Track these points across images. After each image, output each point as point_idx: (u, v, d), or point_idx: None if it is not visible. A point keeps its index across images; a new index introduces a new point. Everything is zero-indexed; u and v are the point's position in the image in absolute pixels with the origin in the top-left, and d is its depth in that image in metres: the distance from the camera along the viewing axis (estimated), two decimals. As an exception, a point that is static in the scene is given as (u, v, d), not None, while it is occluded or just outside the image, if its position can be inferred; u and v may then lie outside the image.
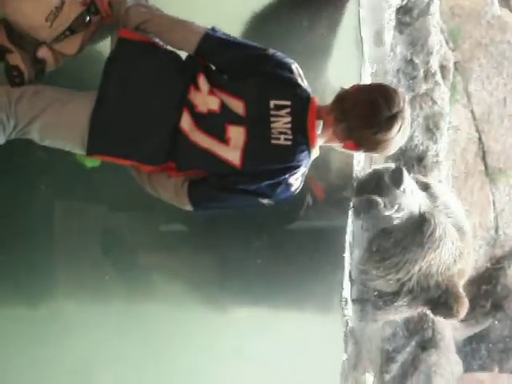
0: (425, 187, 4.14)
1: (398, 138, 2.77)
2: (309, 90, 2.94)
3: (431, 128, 5.19)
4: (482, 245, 5.63)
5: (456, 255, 4.13)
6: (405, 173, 3.87)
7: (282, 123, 2.86)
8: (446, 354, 4.98)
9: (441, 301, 4.10)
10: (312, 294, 4.25)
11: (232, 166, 2.87)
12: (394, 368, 4.81)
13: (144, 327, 3.90)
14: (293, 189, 2.94)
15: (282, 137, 2.85)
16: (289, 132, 2.85)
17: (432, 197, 4.10)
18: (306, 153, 2.87)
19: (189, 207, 2.97)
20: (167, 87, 2.92)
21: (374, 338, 4.67)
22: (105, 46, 3.09)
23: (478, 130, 5.85)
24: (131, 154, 2.91)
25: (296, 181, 2.93)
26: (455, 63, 5.75)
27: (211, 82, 2.91)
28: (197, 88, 2.90)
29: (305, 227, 4.04)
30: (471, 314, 5.39)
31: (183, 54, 3.03)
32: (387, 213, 3.92)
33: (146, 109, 2.91)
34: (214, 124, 2.87)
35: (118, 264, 3.88)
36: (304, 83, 2.95)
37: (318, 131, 2.86)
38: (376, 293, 4.26)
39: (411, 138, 5.01)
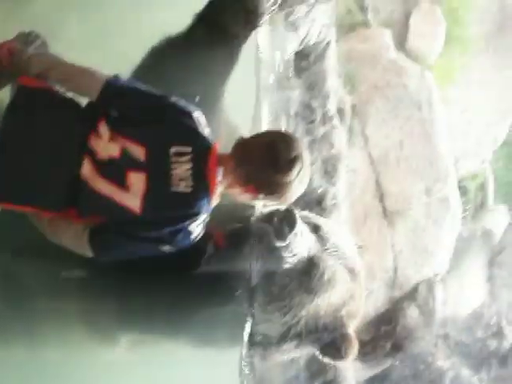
0: (315, 229, 4.14)
1: (297, 182, 2.78)
2: (210, 137, 2.94)
3: (329, 171, 5.24)
4: (381, 285, 5.70)
5: (346, 297, 4.13)
6: (297, 216, 3.88)
7: (182, 170, 2.85)
8: (347, 396, 5.01)
9: (329, 342, 4.09)
10: (213, 341, 4.23)
11: (132, 213, 2.84)
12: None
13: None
14: (193, 236, 2.92)
15: (183, 183, 2.84)
16: (189, 179, 2.84)
17: (322, 239, 4.08)
18: (206, 200, 2.86)
19: (89, 253, 2.93)
20: (66, 134, 2.89)
21: (275, 379, 4.65)
22: (5, 94, 3.05)
23: (375, 172, 5.95)
24: (30, 201, 2.86)
25: (197, 227, 2.91)
26: (352, 106, 5.84)
27: (113, 127, 2.89)
28: (97, 135, 2.87)
29: (208, 273, 4.02)
30: (372, 354, 5.44)
31: (83, 102, 3.01)
32: (284, 254, 3.91)
33: (45, 156, 2.86)
34: (114, 170, 2.85)
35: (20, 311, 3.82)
36: (206, 131, 2.95)
37: (219, 178, 2.86)
38: (261, 336, 4.23)
39: (310, 181, 5.04)
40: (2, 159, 2.84)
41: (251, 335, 4.17)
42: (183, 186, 2.84)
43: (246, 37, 4.27)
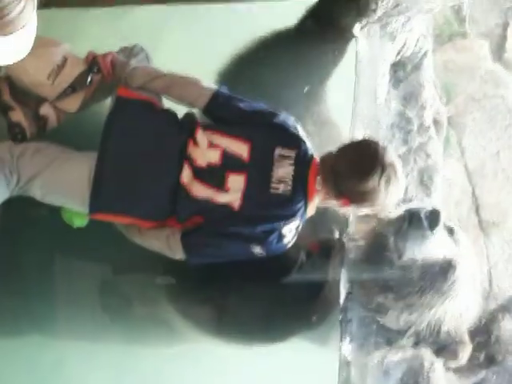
0: (450, 232, 4.12)
1: (384, 189, 2.80)
2: (312, 148, 2.99)
3: (425, 182, 5.22)
4: (476, 299, 5.63)
5: (468, 303, 4.11)
6: (441, 216, 3.87)
7: (283, 172, 2.91)
8: (441, 408, 4.96)
9: (447, 346, 4.07)
10: (308, 348, 4.23)
11: (230, 208, 2.89)
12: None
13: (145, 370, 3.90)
14: (285, 241, 2.97)
15: (282, 186, 2.90)
16: (289, 182, 2.90)
17: (456, 242, 4.08)
18: (302, 205, 2.91)
19: (181, 256, 2.99)
20: (166, 144, 2.96)
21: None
22: (105, 105, 3.13)
23: (471, 184, 5.88)
24: (133, 212, 2.94)
25: (289, 233, 2.96)
26: (448, 117, 5.79)
27: (215, 128, 2.94)
28: (195, 143, 2.93)
29: (301, 279, 4.04)
30: (465, 365, 5.37)
31: (179, 112, 3.07)
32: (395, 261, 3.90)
33: (146, 166, 2.94)
34: (214, 176, 2.91)
35: (115, 314, 3.88)
36: (307, 140, 3.00)
37: (318, 187, 2.90)
38: (379, 330, 4.21)
39: (406, 191, 5.04)
40: (104, 170, 2.92)
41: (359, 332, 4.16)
42: (282, 188, 2.90)
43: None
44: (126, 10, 3.45)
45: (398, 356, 4.34)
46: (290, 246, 3.08)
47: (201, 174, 2.96)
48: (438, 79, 5.88)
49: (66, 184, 3.01)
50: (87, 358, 3.85)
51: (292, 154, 2.98)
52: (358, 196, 2.94)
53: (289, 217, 2.95)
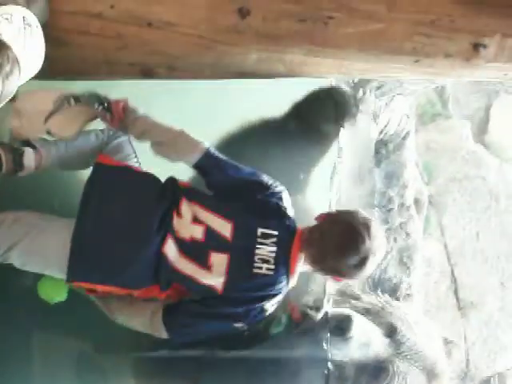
0: (390, 332, 4.11)
1: (367, 267, 2.80)
2: (295, 221, 2.97)
3: (405, 261, 5.24)
4: (453, 378, 5.62)
5: None
6: (354, 325, 3.87)
7: (266, 251, 2.88)
8: None
9: None
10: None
11: (213, 290, 2.87)
12: None
13: None
14: (266, 314, 2.95)
15: (265, 266, 2.87)
16: (271, 261, 2.87)
17: (396, 343, 4.06)
18: (284, 282, 2.89)
19: (164, 334, 2.95)
20: (147, 211, 2.93)
21: None
22: (85, 172, 3.11)
23: (450, 264, 5.91)
24: (111, 281, 2.89)
25: (271, 307, 2.94)
26: (429, 197, 5.85)
27: (198, 201, 2.92)
28: (179, 214, 2.91)
29: (283, 353, 4.00)
30: None
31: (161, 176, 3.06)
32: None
33: (125, 235, 2.90)
34: (196, 251, 2.87)
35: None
36: (291, 212, 2.99)
37: (300, 263, 2.89)
38: None
39: (385, 271, 5.06)
40: (82, 238, 2.90)
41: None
42: (265, 269, 2.87)
43: (336, 135, 4.32)
44: (113, 84, 3.45)
45: None
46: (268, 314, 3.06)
47: (184, 246, 2.93)
48: (420, 159, 5.94)
49: (44, 252, 2.97)
50: None
51: (275, 232, 2.95)
52: (336, 273, 2.93)
53: (272, 296, 2.93)
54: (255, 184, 2.98)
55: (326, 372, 3.94)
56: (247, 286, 2.88)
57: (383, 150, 5.37)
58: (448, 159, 6.26)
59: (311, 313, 3.97)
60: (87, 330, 3.71)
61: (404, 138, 5.47)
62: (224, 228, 2.90)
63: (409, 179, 5.48)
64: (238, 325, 2.92)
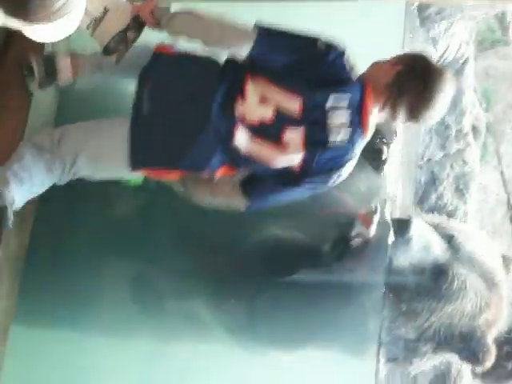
0: (448, 238, 4.13)
1: (440, 101, 2.77)
2: (362, 77, 2.91)
3: (461, 188, 5.22)
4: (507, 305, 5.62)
5: (482, 306, 4.08)
6: (413, 226, 3.89)
7: (339, 118, 2.83)
8: (467, 417, 4.96)
9: (467, 348, 4.08)
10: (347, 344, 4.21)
11: (290, 170, 2.86)
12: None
13: (172, 368, 3.92)
14: (341, 178, 2.92)
15: (339, 132, 2.83)
16: (346, 125, 2.83)
17: (454, 248, 4.07)
18: (361, 143, 2.86)
19: (243, 204, 2.93)
20: (209, 95, 2.87)
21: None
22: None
23: (506, 191, 5.87)
24: (176, 163, 2.87)
25: (347, 172, 2.91)
26: (487, 124, 5.79)
27: (265, 76, 2.87)
28: (243, 98, 2.86)
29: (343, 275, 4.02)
30: (493, 374, 5.36)
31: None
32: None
33: (186, 117, 2.87)
34: (268, 132, 2.82)
35: (147, 307, 3.91)
36: (354, 70, 2.91)
37: (374, 115, 2.84)
38: (401, 341, 4.21)
39: (441, 197, 5.06)
40: (143, 126, 2.89)
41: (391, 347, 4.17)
42: (340, 136, 2.83)
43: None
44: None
45: (428, 364, 4.34)
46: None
47: (254, 130, 2.88)
48: (479, 85, 5.87)
49: (107, 151, 2.97)
50: (118, 351, 3.87)
51: (345, 95, 2.90)
52: (411, 111, 2.88)
53: (348, 160, 2.90)
54: (315, 51, 2.90)
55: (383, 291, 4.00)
56: (325, 157, 2.85)
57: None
58: (507, 86, 6.16)
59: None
60: (143, 249, 3.79)
61: (463, 64, 5.40)
62: (293, 103, 2.84)
63: (467, 106, 5.43)
64: (316, 188, 2.92)
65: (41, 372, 3.66)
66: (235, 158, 2.87)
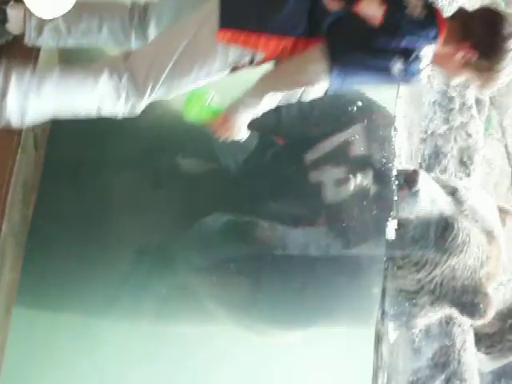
0: (452, 192, 4.14)
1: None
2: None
3: (465, 161, 5.21)
4: (511, 279, 5.61)
5: (483, 259, 4.10)
6: (421, 177, 3.90)
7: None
8: (470, 387, 4.96)
9: (468, 301, 4.08)
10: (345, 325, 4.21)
11: (370, 24, 2.88)
12: (423, 401, 4.79)
13: (175, 349, 3.91)
14: (421, 65, 2.93)
15: (417, 10, 2.88)
16: (422, 9, 2.88)
17: (458, 201, 4.09)
18: (435, 33, 2.89)
19: (326, 72, 2.92)
20: None
21: (405, 370, 4.65)
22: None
23: (510, 165, 5.85)
24: (265, 25, 2.88)
25: (425, 58, 2.92)
26: (491, 97, 5.76)
27: None
28: None
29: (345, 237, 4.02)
30: (496, 347, 5.37)
31: None
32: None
33: None
34: None
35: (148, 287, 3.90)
36: None
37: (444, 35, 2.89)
38: (400, 294, 4.20)
39: (445, 170, 5.04)
40: None
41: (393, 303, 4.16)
42: (417, 12, 2.87)
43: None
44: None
45: (426, 319, 4.31)
46: (423, 73, 3.04)
47: None
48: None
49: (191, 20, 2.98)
50: (119, 331, 3.87)
51: None
52: (485, 43, 2.91)
53: (426, 39, 2.93)
54: None
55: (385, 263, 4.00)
56: (403, 20, 2.88)
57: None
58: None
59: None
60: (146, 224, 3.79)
61: (466, 37, 5.37)
62: None
63: (471, 79, 5.40)
64: (398, 65, 2.90)
65: (43, 349, 3.66)
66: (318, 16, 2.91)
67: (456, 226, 3.97)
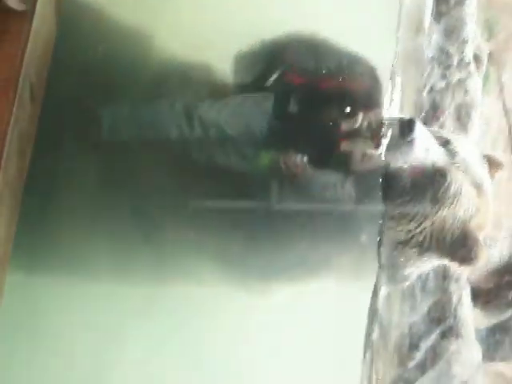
0: (444, 143, 4.14)
1: None
2: None
3: (462, 118, 5.20)
4: (507, 236, 5.64)
5: (472, 211, 4.12)
6: (417, 126, 3.91)
7: None
8: (466, 343, 5.00)
9: (458, 248, 4.09)
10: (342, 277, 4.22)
11: None
12: (418, 356, 4.83)
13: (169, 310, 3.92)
14: None
15: None
16: None
17: (451, 153, 4.08)
18: None
19: None
20: None
21: (399, 325, 4.69)
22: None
23: (508, 122, 5.85)
24: None
25: None
26: (489, 54, 5.74)
27: None
28: None
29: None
30: (493, 303, 5.42)
31: None
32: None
33: None
34: None
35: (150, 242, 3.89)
36: None
37: None
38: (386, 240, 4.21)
39: (442, 126, 5.04)
40: None
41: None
42: None
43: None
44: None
45: (414, 268, 4.31)
46: None
47: None
48: (481, 14, 5.82)
49: None
50: (115, 293, 3.86)
51: None
52: None
53: None
54: None
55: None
56: None
57: (443, 5, 5.27)
58: (510, 15, 6.10)
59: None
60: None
61: (465, -6, 5.36)
62: None
63: (469, 35, 5.39)
64: None
65: (37, 309, 3.65)
66: None
67: (449, 178, 3.96)
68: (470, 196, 4.03)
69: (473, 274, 5.06)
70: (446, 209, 3.97)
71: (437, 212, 3.96)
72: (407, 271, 4.25)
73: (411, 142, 3.89)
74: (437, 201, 3.95)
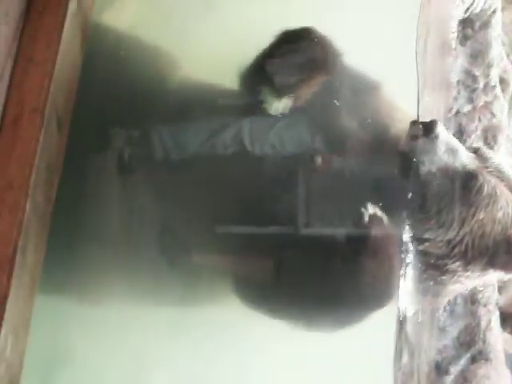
0: (474, 150, 4.10)
1: None
2: None
3: (489, 141, 5.18)
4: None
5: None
6: (439, 124, 3.87)
7: None
8: (495, 367, 4.94)
9: (502, 253, 4.00)
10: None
11: None
12: (448, 381, 4.78)
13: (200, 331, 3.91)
14: None
15: None
16: None
17: (482, 158, 4.04)
18: None
19: None
20: None
21: (428, 349, 4.65)
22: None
23: (534, 144, 5.82)
24: None
25: None
26: (515, 76, 5.73)
27: None
28: None
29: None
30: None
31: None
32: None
33: None
34: None
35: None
36: None
37: None
38: (427, 260, 4.12)
39: (469, 150, 5.02)
40: None
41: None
42: None
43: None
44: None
45: (459, 285, 4.24)
46: None
47: None
48: (506, 37, 5.80)
49: None
50: (142, 316, 3.87)
51: None
52: None
53: None
54: None
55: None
56: None
57: (469, 28, 5.27)
58: (535, 38, 6.07)
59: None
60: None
61: (490, 16, 5.34)
62: None
63: (494, 58, 5.37)
64: None
65: (66, 332, 3.67)
66: None
67: (480, 178, 3.90)
68: (508, 198, 3.95)
69: (503, 297, 5.02)
70: (482, 211, 3.89)
71: (473, 215, 3.89)
72: (450, 288, 4.18)
73: (434, 140, 3.86)
74: (471, 203, 3.88)
